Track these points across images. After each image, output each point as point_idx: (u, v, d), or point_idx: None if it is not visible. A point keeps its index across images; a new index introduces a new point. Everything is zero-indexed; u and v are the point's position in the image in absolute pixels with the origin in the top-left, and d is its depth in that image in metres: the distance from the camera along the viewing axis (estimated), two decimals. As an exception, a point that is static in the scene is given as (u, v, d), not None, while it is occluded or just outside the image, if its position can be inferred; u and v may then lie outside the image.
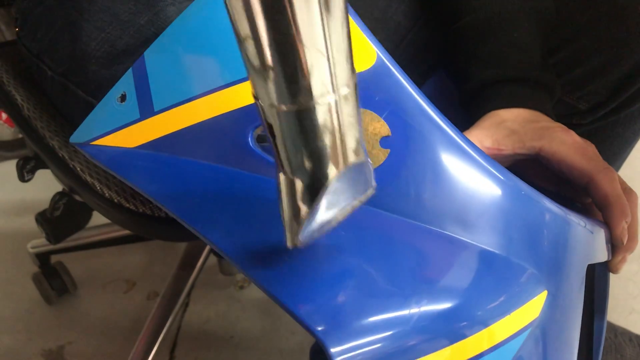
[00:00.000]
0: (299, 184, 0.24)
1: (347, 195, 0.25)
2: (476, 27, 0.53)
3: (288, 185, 0.24)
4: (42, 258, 1.08)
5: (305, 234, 0.25)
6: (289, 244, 0.26)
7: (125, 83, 0.37)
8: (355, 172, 0.24)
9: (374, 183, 0.27)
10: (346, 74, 0.22)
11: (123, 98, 0.37)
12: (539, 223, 0.36)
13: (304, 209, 0.24)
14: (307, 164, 0.23)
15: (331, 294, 0.32)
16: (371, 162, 0.33)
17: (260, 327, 1.02)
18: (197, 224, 0.34)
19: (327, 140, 0.22)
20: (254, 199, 0.34)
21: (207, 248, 1.01)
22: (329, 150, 0.23)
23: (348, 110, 0.23)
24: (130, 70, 0.37)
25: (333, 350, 0.31)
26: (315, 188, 0.24)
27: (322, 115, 0.22)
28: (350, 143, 0.23)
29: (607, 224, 0.44)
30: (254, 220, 0.34)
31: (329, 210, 0.24)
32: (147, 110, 0.36)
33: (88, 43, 0.51)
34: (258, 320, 1.03)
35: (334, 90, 0.22)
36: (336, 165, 0.23)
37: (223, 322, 1.04)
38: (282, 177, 0.25)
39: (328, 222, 0.25)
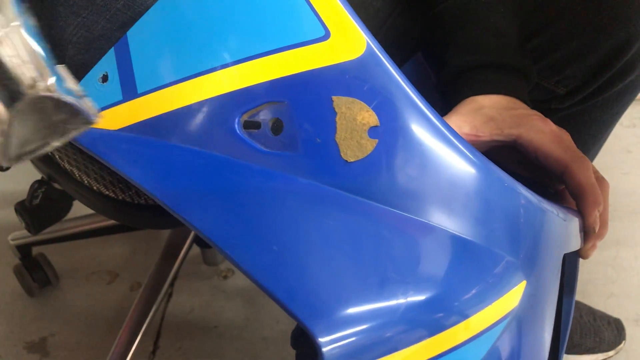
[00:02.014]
0: None
1: (49, 123, 0.28)
2: (453, 12, 0.53)
3: None
4: (23, 250, 1.07)
5: (12, 153, 0.28)
6: (2, 163, 0.29)
7: (107, 63, 0.37)
8: (45, 103, 0.28)
9: (90, 118, 0.29)
10: (6, 15, 0.26)
11: (105, 78, 0.37)
12: (519, 214, 0.37)
13: (4, 133, 0.27)
14: None
15: (319, 284, 0.33)
16: (362, 153, 0.34)
17: (245, 316, 1.02)
18: (181, 210, 0.34)
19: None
20: (239, 185, 0.34)
21: (190, 238, 1.01)
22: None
23: (15, 47, 0.26)
24: (112, 49, 0.37)
25: (321, 339, 0.31)
26: (9, 114, 0.27)
27: None
28: (24, 77, 0.27)
29: (581, 212, 0.45)
30: (241, 208, 0.34)
31: (33, 133, 0.28)
32: (130, 91, 0.35)
33: (64, 28, 0.50)
34: (242, 309, 1.03)
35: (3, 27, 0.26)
36: (15, 96, 0.27)
37: (207, 312, 1.04)
38: None
39: (39, 144, 0.29)
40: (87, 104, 0.29)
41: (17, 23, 0.27)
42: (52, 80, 0.28)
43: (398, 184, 0.34)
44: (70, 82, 0.30)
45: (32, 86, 0.27)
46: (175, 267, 0.97)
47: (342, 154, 0.34)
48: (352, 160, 0.34)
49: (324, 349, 0.31)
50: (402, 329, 0.33)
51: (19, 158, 0.29)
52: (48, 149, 0.29)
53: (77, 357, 0.96)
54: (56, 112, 0.28)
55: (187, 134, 0.35)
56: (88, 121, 0.29)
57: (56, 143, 0.29)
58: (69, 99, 0.28)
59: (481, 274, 0.35)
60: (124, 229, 1.09)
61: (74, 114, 0.29)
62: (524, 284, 0.37)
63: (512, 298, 0.36)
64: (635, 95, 0.66)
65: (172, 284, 1.03)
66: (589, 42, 0.58)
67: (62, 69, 0.30)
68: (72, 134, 0.29)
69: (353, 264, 0.33)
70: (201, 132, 0.35)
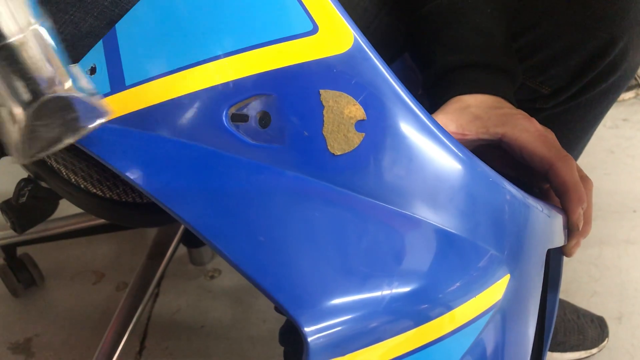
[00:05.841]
0: (11, 112, 0.29)
1: (63, 121, 0.30)
2: (440, 12, 0.54)
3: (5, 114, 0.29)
4: (8, 250, 1.06)
5: (29, 152, 0.30)
6: (19, 161, 0.30)
7: (95, 55, 0.37)
8: (60, 102, 0.29)
9: (102, 114, 0.31)
10: (25, 18, 0.27)
11: (93, 71, 0.37)
12: (503, 208, 0.38)
13: (21, 132, 0.29)
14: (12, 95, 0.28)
15: (305, 275, 0.33)
16: (349, 146, 0.34)
17: (231, 316, 1.02)
18: (169, 202, 0.34)
19: (15, 77, 0.28)
20: (227, 178, 0.35)
21: (177, 237, 1.01)
22: (20, 85, 0.28)
23: (35, 49, 0.28)
24: (100, 42, 0.37)
25: (307, 329, 0.32)
26: (26, 114, 0.29)
27: (17, 51, 0.27)
28: (43, 78, 0.29)
29: (565, 209, 0.45)
30: (228, 200, 0.34)
31: (49, 131, 0.30)
32: (118, 84, 0.36)
33: (52, 25, 0.50)
34: (229, 309, 1.03)
35: (21, 31, 0.27)
36: (29, 98, 0.28)
37: (194, 312, 1.03)
38: None
39: (54, 141, 0.30)
40: (99, 101, 0.31)
41: (35, 26, 0.28)
42: (67, 80, 0.30)
43: (384, 177, 0.35)
44: (83, 81, 0.32)
45: (50, 86, 0.29)
46: (162, 266, 0.97)
47: (329, 147, 0.34)
48: (339, 154, 0.34)
49: (310, 339, 0.31)
50: (387, 319, 0.33)
51: (34, 155, 0.30)
52: (62, 145, 0.30)
53: (63, 358, 0.96)
54: (70, 110, 0.30)
55: (175, 127, 0.35)
56: (100, 117, 0.31)
57: (70, 140, 0.30)
58: (82, 97, 0.30)
59: (465, 267, 0.36)
60: (110, 229, 1.08)
61: (87, 111, 0.30)
62: (507, 277, 0.37)
63: (496, 291, 0.37)
64: (618, 96, 0.67)
65: (158, 284, 1.03)
66: (573, 42, 0.59)
67: (74, 68, 0.32)
68: (85, 131, 0.30)
69: (339, 255, 0.33)
70: (189, 124, 0.35)
